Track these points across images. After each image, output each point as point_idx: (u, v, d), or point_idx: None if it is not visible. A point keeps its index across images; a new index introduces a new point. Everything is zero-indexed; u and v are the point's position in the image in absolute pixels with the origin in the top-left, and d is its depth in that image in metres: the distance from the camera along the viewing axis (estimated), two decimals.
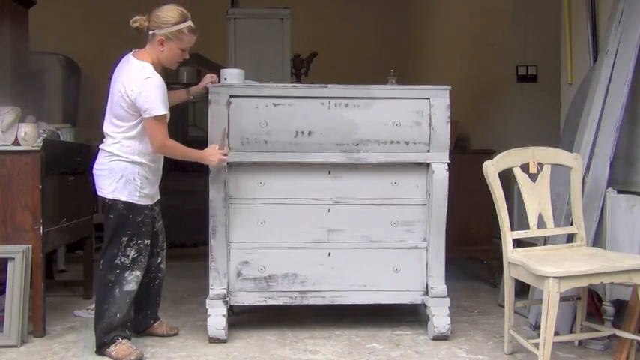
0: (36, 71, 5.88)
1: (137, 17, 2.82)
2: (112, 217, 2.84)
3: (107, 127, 2.87)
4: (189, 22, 2.83)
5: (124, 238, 2.83)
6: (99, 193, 2.89)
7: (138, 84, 2.72)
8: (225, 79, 3.16)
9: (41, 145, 3.15)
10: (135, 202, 2.84)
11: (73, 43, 7.18)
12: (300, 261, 3.15)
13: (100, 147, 2.89)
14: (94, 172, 2.89)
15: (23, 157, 3.13)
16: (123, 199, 2.82)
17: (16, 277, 3.04)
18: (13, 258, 3.05)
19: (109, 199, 2.84)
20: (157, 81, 2.75)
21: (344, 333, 3.22)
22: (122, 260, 2.83)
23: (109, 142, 2.85)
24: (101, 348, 2.84)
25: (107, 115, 2.88)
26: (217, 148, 2.96)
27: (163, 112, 2.75)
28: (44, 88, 6.33)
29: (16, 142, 3.17)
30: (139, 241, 2.86)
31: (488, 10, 5.80)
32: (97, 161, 2.89)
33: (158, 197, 3.08)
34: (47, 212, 3.18)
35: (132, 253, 2.84)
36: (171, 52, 2.84)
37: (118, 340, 2.81)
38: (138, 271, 2.87)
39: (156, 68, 2.82)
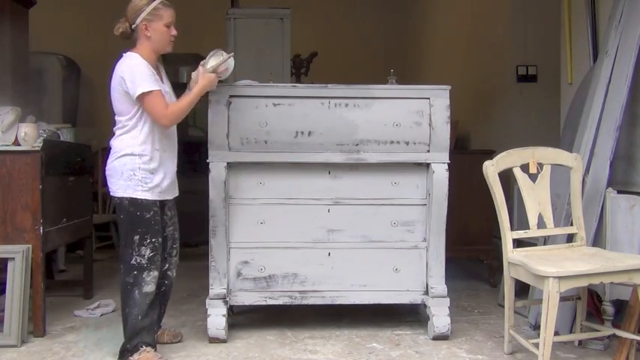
0: (36, 71, 5.88)
1: (117, 24, 2.84)
2: (122, 216, 2.78)
3: (114, 128, 2.85)
4: None
5: (136, 237, 2.74)
6: (111, 194, 2.85)
7: (124, 69, 2.73)
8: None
9: (41, 145, 3.16)
10: (140, 197, 2.75)
11: (73, 43, 7.19)
12: (300, 261, 3.15)
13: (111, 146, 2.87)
14: (107, 172, 2.84)
15: (23, 157, 3.13)
16: (127, 195, 2.76)
17: (16, 277, 3.04)
18: (13, 258, 3.05)
19: (117, 198, 2.79)
20: (140, 62, 2.74)
21: (344, 333, 3.22)
22: (138, 261, 2.74)
23: (112, 141, 2.83)
24: (123, 356, 2.75)
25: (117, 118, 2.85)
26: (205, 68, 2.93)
27: (150, 89, 2.70)
28: (44, 88, 6.33)
29: (16, 142, 3.17)
30: (152, 239, 2.77)
31: (488, 10, 5.80)
32: (108, 161, 2.85)
33: (173, 195, 2.97)
34: (47, 212, 3.19)
35: (147, 252, 2.75)
36: (157, 32, 2.82)
37: (141, 348, 2.72)
38: (155, 271, 2.79)
39: (149, 58, 2.80)
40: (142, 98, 2.71)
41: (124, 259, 2.78)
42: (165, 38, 2.85)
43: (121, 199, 2.77)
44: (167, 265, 3.01)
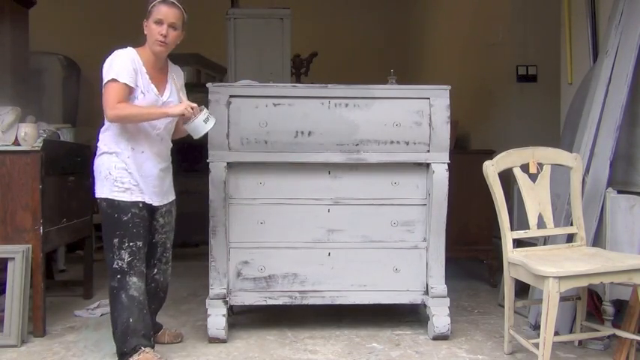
0: (36, 71, 5.88)
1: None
2: (102, 218, 2.72)
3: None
4: None
5: (115, 240, 2.66)
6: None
7: (107, 60, 2.66)
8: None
9: (41, 145, 3.16)
10: (116, 198, 2.66)
11: (73, 43, 7.18)
12: (300, 261, 3.15)
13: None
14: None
15: (23, 157, 3.13)
16: (104, 196, 2.68)
17: (16, 277, 3.04)
18: (13, 258, 3.05)
19: (98, 199, 2.73)
20: (124, 54, 2.65)
21: (344, 333, 3.22)
22: (119, 265, 2.67)
23: (101, 137, 2.77)
24: (122, 358, 2.68)
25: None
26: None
27: (114, 77, 2.57)
28: (44, 88, 6.33)
29: (16, 142, 3.17)
30: (131, 243, 2.67)
31: (488, 10, 5.80)
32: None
33: (163, 200, 2.85)
34: (47, 212, 3.18)
35: (126, 256, 2.67)
36: (148, 30, 2.72)
37: (140, 349, 2.65)
38: (134, 277, 2.68)
39: (146, 58, 2.72)
40: (104, 86, 2.60)
41: (107, 263, 2.72)
42: (153, 38, 2.69)
43: (100, 199, 2.71)
44: (155, 270, 2.94)
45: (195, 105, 2.69)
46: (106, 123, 2.72)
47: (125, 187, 2.68)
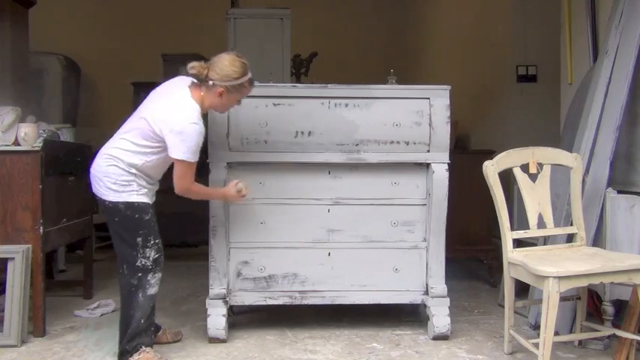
0: (36, 71, 5.89)
1: (194, 64, 2.74)
2: (116, 219, 2.72)
3: (123, 134, 2.75)
4: (250, 75, 2.78)
5: (139, 239, 2.71)
6: (97, 195, 2.77)
7: (182, 124, 2.63)
8: None
9: (41, 145, 3.16)
10: (135, 200, 2.72)
11: (73, 43, 7.19)
12: (300, 261, 3.15)
13: (104, 150, 2.77)
14: (92, 172, 2.77)
15: (23, 157, 3.13)
16: (121, 200, 2.70)
17: (16, 277, 3.04)
18: (13, 258, 3.05)
19: (108, 202, 2.72)
20: (200, 129, 2.67)
21: (344, 333, 3.22)
22: (143, 263, 2.71)
23: (113, 145, 2.74)
24: (123, 356, 2.72)
25: (129, 123, 2.77)
26: (236, 184, 2.94)
27: (192, 160, 2.69)
28: (44, 88, 6.34)
29: (16, 142, 3.17)
30: (156, 240, 2.75)
31: (488, 10, 5.80)
32: (96, 162, 2.76)
33: (154, 198, 2.95)
34: (47, 212, 3.18)
35: (152, 254, 2.73)
36: (229, 101, 2.80)
37: (141, 349, 2.70)
38: (160, 273, 2.77)
39: (203, 111, 2.76)
40: (178, 160, 2.68)
41: (127, 261, 2.73)
42: (224, 105, 2.82)
43: (114, 202, 2.71)
44: None
45: (244, 190, 2.96)
46: (137, 143, 2.70)
47: (141, 192, 2.76)
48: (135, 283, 2.72)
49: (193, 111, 2.68)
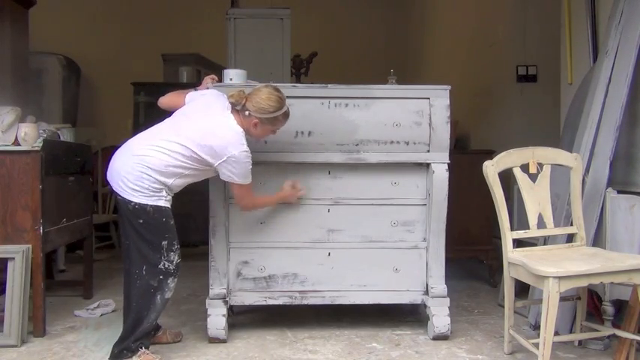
0: (36, 71, 5.89)
1: (233, 92, 2.81)
2: (140, 221, 2.70)
3: (159, 147, 2.72)
4: (286, 108, 2.85)
5: (164, 242, 2.73)
6: (120, 195, 2.72)
7: (235, 153, 2.72)
8: (231, 79, 3.16)
9: (41, 145, 3.16)
10: (163, 204, 2.74)
11: (73, 43, 7.20)
12: (300, 261, 3.15)
13: (137, 152, 2.72)
14: (116, 170, 2.73)
15: (23, 157, 3.13)
16: (151, 203, 2.71)
17: (16, 277, 3.04)
18: (13, 258, 3.05)
19: (136, 203, 2.69)
20: (249, 154, 2.78)
21: (344, 333, 3.22)
22: (166, 266, 2.74)
23: (151, 153, 2.71)
24: (122, 355, 2.71)
25: (167, 135, 2.75)
26: (292, 184, 3.10)
27: (248, 182, 2.85)
28: (44, 88, 6.34)
29: (16, 142, 3.17)
30: (178, 245, 2.80)
31: (488, 10, 5.80)
32: (124, 162, 2.71)
33: None
34: (47, 212, 3.19)
35: (175, 258, 2.77)
36: (264, 131, 2.86)
37: (141, 350, 2.72)
38: (177, 278, 2.81)
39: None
40: (235, 184, 2.83)
41: (148, 262, 2.72)
42: (259, 134, 2.88)
43: (143, 205, 2.70)
44: None
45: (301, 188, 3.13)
46: (178, 160, 2.72)
47: (168, 198, 2.80)
48: (155, 285, 2.74)
49: (242, 137, 2.77)
